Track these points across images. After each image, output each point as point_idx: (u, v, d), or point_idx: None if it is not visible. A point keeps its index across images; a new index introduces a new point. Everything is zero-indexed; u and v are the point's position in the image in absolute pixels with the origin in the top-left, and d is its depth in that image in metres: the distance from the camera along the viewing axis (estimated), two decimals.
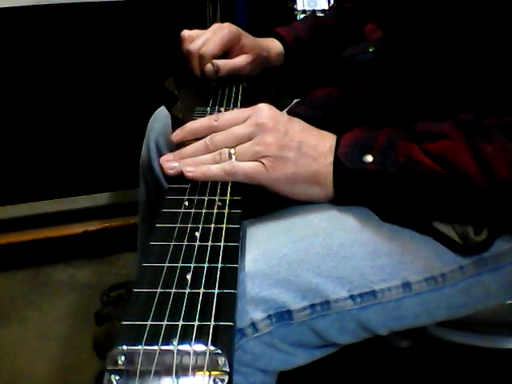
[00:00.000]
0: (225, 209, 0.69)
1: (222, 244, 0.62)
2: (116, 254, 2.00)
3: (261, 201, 0.87)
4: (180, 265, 0.57)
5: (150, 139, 1.22)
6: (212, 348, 0.46)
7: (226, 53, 1.07)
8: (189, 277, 0.55)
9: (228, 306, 0.52)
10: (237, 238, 0.64)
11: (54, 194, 1.93)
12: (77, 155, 1.92)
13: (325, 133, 0.79)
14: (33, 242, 1.92)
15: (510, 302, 0.89)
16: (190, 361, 0.46)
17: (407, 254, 0.78)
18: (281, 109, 1.03)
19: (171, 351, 0.46)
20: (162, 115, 1.21)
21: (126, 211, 1.94)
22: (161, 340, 0.47)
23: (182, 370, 0.45)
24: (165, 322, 0.49)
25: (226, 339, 0.48)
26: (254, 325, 0.71)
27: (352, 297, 0.76)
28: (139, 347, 0.46)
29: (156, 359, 0.46)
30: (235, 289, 0.55)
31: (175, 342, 0.47)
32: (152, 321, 0.49)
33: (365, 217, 0.78)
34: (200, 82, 1.06)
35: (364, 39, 1.05)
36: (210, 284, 0.54)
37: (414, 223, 0.78)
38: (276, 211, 0.82)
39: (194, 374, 0.45)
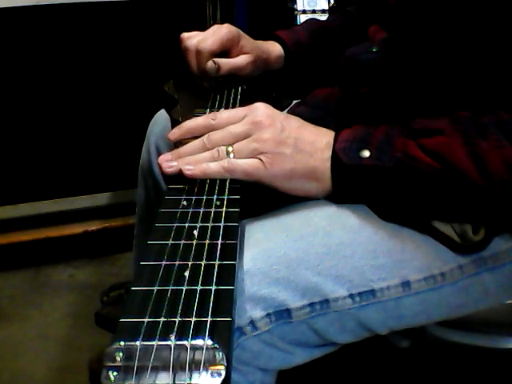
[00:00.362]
0: (223, 208, 0.69)
1: (219, 242, 0.62)
2: (116, 254, 2.00)
3: (259, 200, 0.87)
4: (178, 262, 0.57)
5: (150, 142, 1.22)
6: (209, 343, 0.46)
7: (226, 54, 1.07)
8: (186, 274, 0.55)
9: (226, 301, 0.52)
10: (235, 235, 0.64)
11: (54, 194, 1.93)
12: (77, 155, 1.93)
13: (322, 129, 0.79)
14: (33, 242, 1.92)
15: (509, 301, 0.88)
16: (188, 356, 0.46)
17: (406, 253, 0.78)
18: (281, 110, 1.04)
19: (169, 346, 0.46)
20: (161, 118, 1.21)
21: (125, 211, 1.94)
22: (158, 336, 0.47)
23: (180, 365, 0.45)
24: (162, 319, 0.49)
25: (223, 334, 0.48)
26: (253, 323, 0.71)
27: (351, 296, 0.75)
28: (137, 343, 0.47)
29: (153, 355, 0.46)
30: (233, 285, 0.55)
31: (173, 338, 0.47)
32: (150, 317, 0.50)
33: (364, 216, 0.78)
34: (198, 79, 1.06)
35: (368, 40, 1.05)
36: (207, 281, 0.54)
37: (413, 222, 0.78)
38: (275, 210, 0.82)
39: (191, 369, 0.45)
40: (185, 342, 0.46)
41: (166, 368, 0.45)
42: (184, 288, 0.53)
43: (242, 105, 0.97)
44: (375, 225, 0.78)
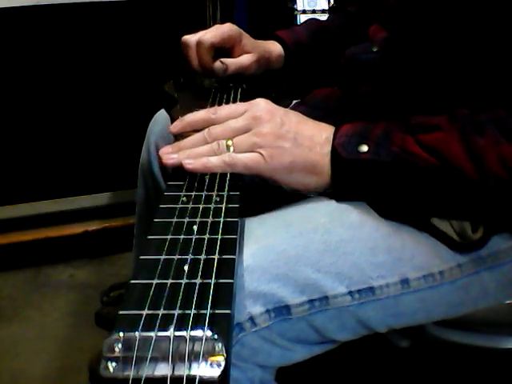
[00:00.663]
0: (223, 203, 0.69)
1: (219, 236, 0.62)
2: (116, 254, 2.00)
3: (259, 198, 0.87)
4: (177, 257, 0.57)
5: (150, 142, 1.22)
6: (209, 333, 0.46)
7: (227, 53, 1.07)
8: (186, 268, 0.55)
9: (225, 294, 0.52)
10: (235, 230, 0.64)
11: (54, 194, 1.93)
12: (77, 155, 1.93)
13: (322, 124, 0.80)
14: (33, 241, 1.93)
15: (508, 301, 0.88)
16: (187, 346, 0.46)
17: (406, 251, 0.78)
18: None
19: (168, 337, 0.46)
20: (161, 118, 1.21)
21: (125, 211, 1.94)
22: (157, 326, 0.47)
23: (179, 356, 0.45)
24: (161, 311, 0.49)
25: (222, 325, 0.48)
26: (252, 319, 0.71)
27: (350, 293, 0.76)
28: (136, 334, 0.47)
29: (152, 345, 0.46)
30: (232, 278, 0.55)
31: (172, 328, 0.47)
32: (149, 310, 0.50)
33: (364, 213, 0.78)
34: (198, 77, 1.06)
35: (368, 40, 1.05)
36: (207, 274, 0.54)
37: (412, 219, 0.78)
38: (275, 207, 0.82)
39: (190, 360, 0.45)
40: (184, 333, 0.46)
41: (165, 359, 0.45)
42: (183, 281, 0.53)
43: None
44: (375, 222, 0.78)
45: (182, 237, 0.62)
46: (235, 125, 0.76)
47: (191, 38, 1.04)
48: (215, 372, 0.45)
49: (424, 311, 0.81)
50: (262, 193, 0.93)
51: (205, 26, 1.08)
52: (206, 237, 0.62)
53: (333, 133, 0.77)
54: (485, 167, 0.69)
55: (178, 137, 0.80)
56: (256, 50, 1.09)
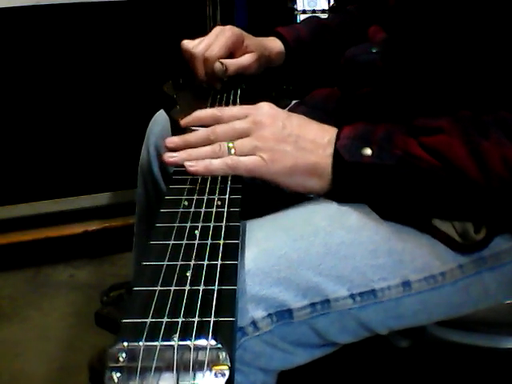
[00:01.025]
0: (224, 207, 0.69)
1: (221, 242, 0.62)
2: (116, 254, 2.00)
3: (260, 201, 0.87)
4: (180, 263, 0.57)
5: (150, 142, 1.22)
6: (213, 343, 0.46)
7: (230, 55, 1.07)
8: (189, 274, 0.55)
9: (228, 301, 0.52)
10: (236, 235, 0.64)
11: (54, 194, 1.93)
12: (77, 155, 1.92)
13: (325, 126, 0.80)
14: (33, 242, 1.92)
15: (509, 301, 0.88)
16: (191, 356, 0.46)
17: (407, 253, 0.78)
18: None
19: (172, 347, 0.46)
20: (161, 118, 1.21)
21: (125, 211, 1.94)
22: (161, 336, 0.47)
23: (183, 366, 0.45)
24: (165, 319, 0.49)
25: (226, 334, 0.48)
26: (254, 323, 0.71)
27: (352, 296, 0.76)
28: (140, 343, 0.47)
29: (157, 355, 0.46)
30: (235, 285, 0.55)
31: (176, 338, 0.47)
32: (152, 318, 0.50)
33: (365, 216, 0.78)
34: (204, 85, 1.06)
35: (367, 40, 1.05)
36: (209, 281, 0.54)
37: (413, 221, 0.78)
38: (275, 209, 0.82)
39: (195, 369, 0.45)
40: (188, 343, 0.46)
41: (169, 368, 0.45)
42: (186, 288, 0.53)
43: (244, 103, 0.98)
44: (375, 225, 0.78)
45: (184, 242, 0.62)
46: (238, 126, 0.78)
47: (197, 49, 1.04)
48: (220, 381, 0.45)
49: (425, 312, 0.81)
50: (261, 193, 0.93)
51: (205, 26, 1.08)
52: (208, 242, 0.62)
53: (335, 135, 0.77)
54: (488, 168, 0.70)
55: (187, 130, 0.83)
56: (257, 49, 1.09)
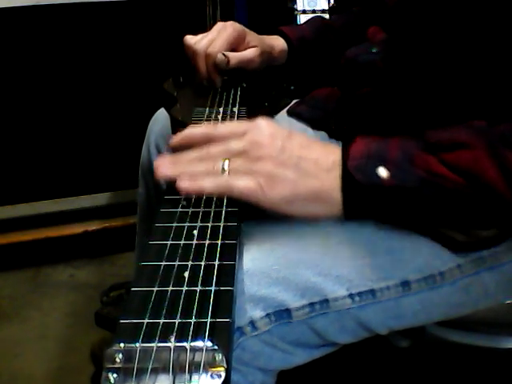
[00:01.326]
0: (223, 207, 0.69)
1: (219, 242, 0.62)
2: (116, 253, 2.00)
3: None
4: (177, 263, 0.57)
5: (150, 141, 1.22)
6: (209, 344, 0.46)
7: (232, 51, 1.07)
8: (186, 275, 0.55)
9: (225, 302, 0.52)
10: (235, 235, 0.64)
11: (54, 194, 1.93)
12: (77, 155, 1.93)
13: (328, 146, 0.73)
14: (33, 242, 1.92)
15: (509, 301, 0.88)
16: (187, 357, 0.46)
17: (406, 253, 0.78)
18: (280, 109, 1.04)
19: (168, 348, 0.46)
20: (161, 117, 1.21)
21: (125, 211, 1.94)
22: (158, 337, 0.47)
23: (179, 367, 0.45)
24: (162, 320, 0.49)
25: (223, 336, 0.48)
26: (252, 323, 0.71)
27: (351, 295, 0.75)
28: (136, 345, 0.47)
29: (153, 356, 0.46)
30: (233, 286, 0.55)
31: (172, 339, 0.47)
32: (149, 319, 0.50)
33: None
34: (204, 82, 1.06)
35: (367, 41, 1.05)
36: (207, 281, 0.54)
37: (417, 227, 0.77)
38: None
39: (191, 371, 0.45)
40: (184, 344, 0.46)
41: (165, 370, 0.45)
42: (184, 289, 0.53)
43: (243, 104, 0.98)
44: (374, 225, 0.78)
45: (182, 242, 0.62)
46: (234, 146, 0.71)
47: (199, 45, 1.04)
48: (216, 383, 0.45)
49: (425, 312, 0.81)
50: None
51: (205, 26, 1.08)
52: (207, 242, 0.62)
53: (341, 155, 0.70)
54: None
55: (176, 149, 0.76)
56: (260, 45, 1.09)
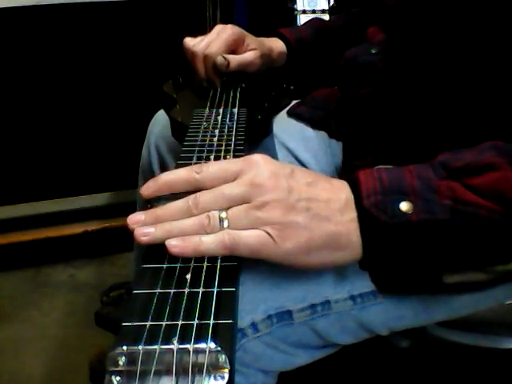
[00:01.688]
0: None
1: None
2: (116, 254, 2.00)
3: None
4: (179, 265, 0.57)
5: (150, 142, 1.22)
6: (212, 346, 0.46)
7: (231, 53, 1.07)
8: (188, 276, 0.55)
9: (228, 304, 0.52)
10: None
11: (54, 194, 1.93)
12: (77, 155, 1.93)
13: (334, 182, 0.64)
14: (33, 242, 1.93)
15: (509, 301, 0.88)
16: (190, 359, 0.46)
17: None
18: (279, 110, 1.04)
19: (171, 350, 0.46)
20: (161, 118, 1.21)
21: (125, 211, 1.92)
22: (160, 339, 0.47)
23: (183, 369, 0.45)
24: (164, 322, 0.49)
25: (226, 337, 0.48)
26: (254, 325, 0.71)
27: (352, 297, 0.75)
28: (139, 347, 0.47)
29: (156, 359, 0.46)
30: (235, 287, 0.54)
31: (175, 341, 0.47)
32: (152, 321, 0.49)
33: None
34: (204, 84, 1.06)
35: (366, 41, 1.05)
36: (209, 283, 0.54)
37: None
38: None
39: (194, 373, 0.45)
40: (187, 346, 0.46)
41: (168, 372, 0.45)
42: (186, 291, 0.53)
43: (243, 104, 0.97)
44: None
45: None
46: (230, 192, 0.60)
47: (198, 48, 1.04)
48: None
49: (426, 313, 0.81)
50: None
51: (205, 26, 1.08)
52: None
53: (351, 191, 0.62)
54: None
55: (153, 202, 0.63)
56: (259, 48, 1.09)
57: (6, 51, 1.75)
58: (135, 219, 0.60)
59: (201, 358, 0.46)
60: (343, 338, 0.79)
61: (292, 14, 1.79)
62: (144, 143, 1.26)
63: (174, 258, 0.58)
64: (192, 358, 0.46)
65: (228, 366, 0.46)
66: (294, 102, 1.13)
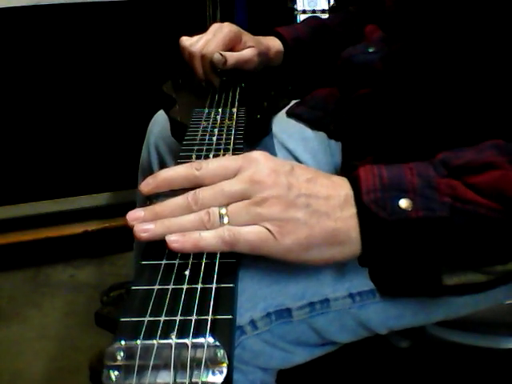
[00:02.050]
0: None
1: None
2: (116, 254, 2.00)
3: None
4: (178, 261, 0.57)
5: (150, 142, 1.22)
6: (211, 340, 0.46)
7: (228, 51, 1.07)
8: (187, 273, 0.55)
9: (226, 299, 0.52)
10: None
11: (54, 194, 1.93)
12: (77, 155, 1.93)
13: (335, 178, 0.65)
14: (33, 242, 1.93)
15: (509, 301, 0.88)
16: (189, 354, 0.46)
17: None
18: (279, 109, 1.04)
19: (169, 345, 0.46)
20: (161, 118, 1.21)
21: (125, 211, 1.93)
22: (159, 334, 0.47)
23: (181, 364, 0.45)
24: (163, 317, 0.49)
25: (224, 332, 0.48)
26: (253, 322, 0.71)
27: (351, 295, 0.76)
28: (138, 342, 0.47)
29: (154, 353, 0.46)
30: (234, 283, 0.55)
31: (173, 336, 0.47)
32: (150, 316, 0.50)
33: None
34: (202, 83, 1.06)
35: (364, 40, 1.05)
36: (208, 279, 0.54)
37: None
38: None
39: (192, 368, 0.45)
40: (186, 341, 0.46)
41: (167, 367, 0.45)
42: (184, 287, 0.53)
43: (242, 103, 0.98)
44: None
45: None
46: (230, 189, 0.60)
47: (195, 47, 1.04)
48: (218, 379, 0.45)
49: (425, 312, 0.81)
50: None
51: (205, 26, 1.08)
52: None
53: (350, 187, 0.63)
54: None
55: (152, 198, 0.63)
56: (256, 46, 1.09)
57: (5, 51, 1.75)
58: (135, 216, 0.60)
59: (199, 353, 0.46)
60: (342, 337, 0.79)
61: (292, 13, 1.79)
62: (144, 143, 1.26)
63: (172, 255, 0.58)
64: (190, 352, 0.46)
65: (226, 361, 0.46)
66: (293, 102, 1.13)
